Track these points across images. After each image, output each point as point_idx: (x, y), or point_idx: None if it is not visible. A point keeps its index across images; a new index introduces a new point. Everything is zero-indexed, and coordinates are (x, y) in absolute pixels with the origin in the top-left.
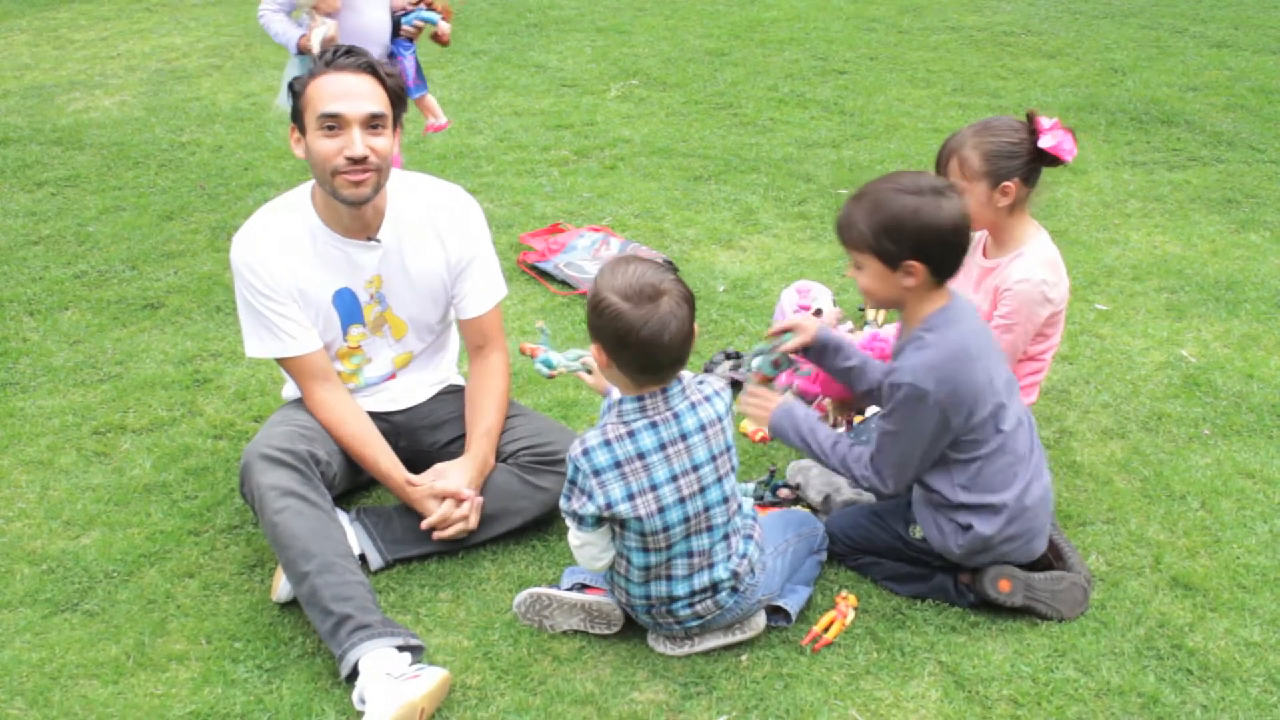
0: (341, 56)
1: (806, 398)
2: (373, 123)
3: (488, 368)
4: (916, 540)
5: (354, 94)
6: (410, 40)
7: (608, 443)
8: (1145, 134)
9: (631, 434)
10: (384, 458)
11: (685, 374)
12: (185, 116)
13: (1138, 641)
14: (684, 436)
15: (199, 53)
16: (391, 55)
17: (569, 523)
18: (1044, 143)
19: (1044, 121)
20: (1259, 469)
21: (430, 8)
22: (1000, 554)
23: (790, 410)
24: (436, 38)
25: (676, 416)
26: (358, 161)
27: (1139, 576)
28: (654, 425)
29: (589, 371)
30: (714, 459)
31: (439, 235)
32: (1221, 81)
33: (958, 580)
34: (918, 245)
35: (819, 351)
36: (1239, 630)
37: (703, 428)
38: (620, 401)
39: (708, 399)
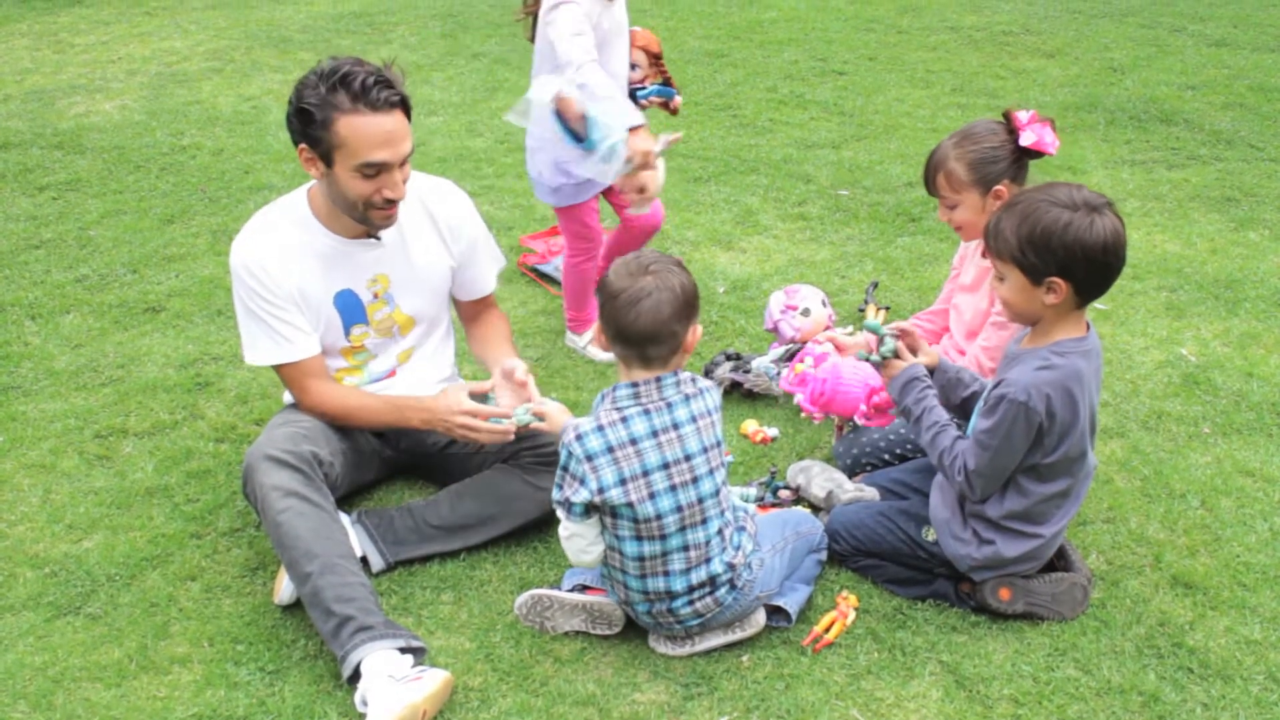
0: (375, 89)
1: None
2: (406, 159)
3: (492, 318)
4: (928, 543)
5: (396, 137)
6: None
7: (600, 428)
8: (1144, 133)
9: (624, 420)
10: (402, 405)
11: (683, 373)
12: (186, 120)
13: (1138, 640)
14: (676, 426)
15: (199, 56)
16: None
17: (559, 513)
18: (1025, 140)
19: (1021, 117)
20: (1259, 467)
21: (667, 82)
22: (1009, 572)
23: (913, 379)
24: (668, 106)
25: (669, 405)
26: (396, 201)
27: (1139, 575)
28: (647, 412)
29: (540, 419)
30: (705, 451)
31: (439, 233)
32: (1220, 80)
33: (958, 588)
34: (1064, 262)
35: (938, 385)
36: (1239, 628)
37: (694, 419)
38: (614, 388)
39: (701, 393)
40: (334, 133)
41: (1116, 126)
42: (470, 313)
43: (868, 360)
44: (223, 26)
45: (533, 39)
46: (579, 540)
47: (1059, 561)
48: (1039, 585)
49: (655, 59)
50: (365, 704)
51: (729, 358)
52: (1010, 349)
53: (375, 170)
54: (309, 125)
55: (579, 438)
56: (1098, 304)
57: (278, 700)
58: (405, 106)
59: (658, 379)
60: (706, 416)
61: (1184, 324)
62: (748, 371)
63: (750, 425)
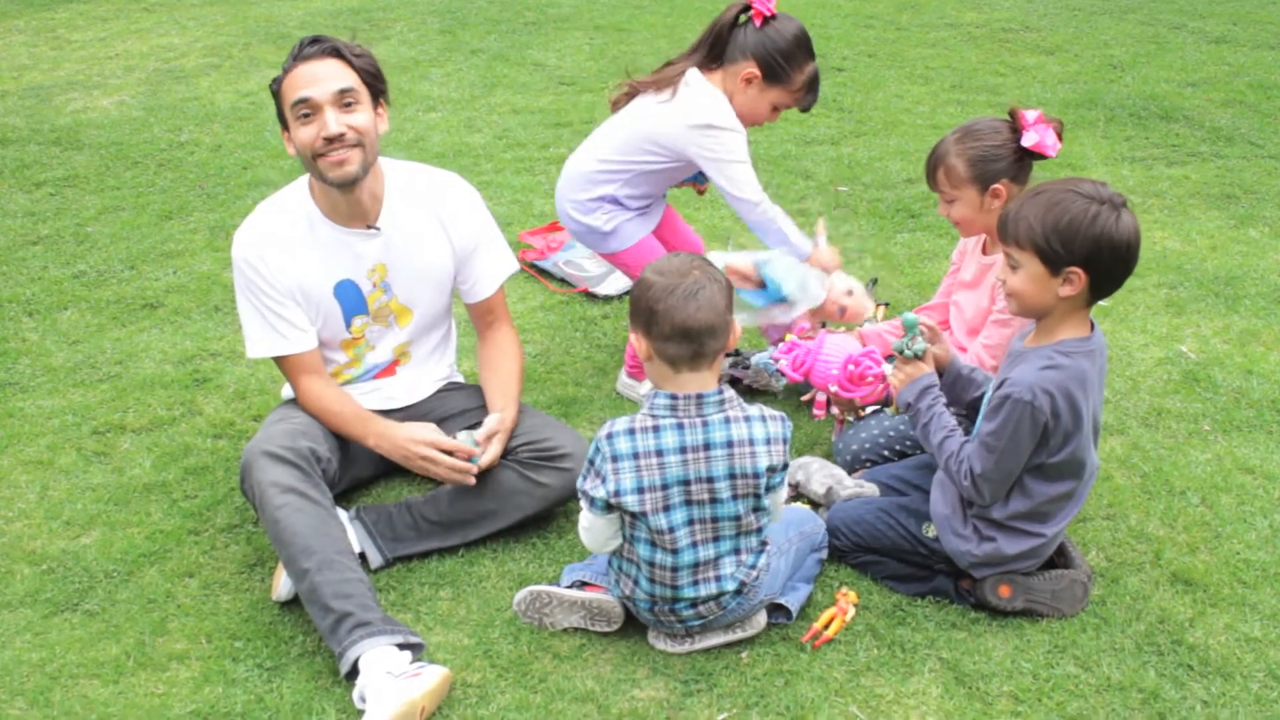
0: (307, 46)
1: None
2: (345, 100)
3: (501, 339)
4: (928, 539)
5: (321, 78)
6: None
7: (632, 431)
8: (1144, 130)
9: (656, 429)
10: (369, 421)
11: (730, 390)
12: (183, 116)
13: (1138, 637)
14: (707, 446)
15: (197, 52)
16: None
17: (582, 502)
18: (1026, 141)
19: (1027, 117)
20: (1259, 464)
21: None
22: (1009, 569)
23: (930, 385)
24: (696, 187)
25: (705, 425)
26: (335, 139)
27: (1139, 572)
28: (680, 426)
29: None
30: (733, 478)
31: (441, 224)
32: (1220, 77)
33: (958, 584)
34: (1089, 254)
35: (949, 382)
36: (1239, 626)
37: (729, 444)
38: (655, 394)
39: (747, 419)
40: (281, 95)
41: (1116, 123)
42: (478, 320)
43: (901, 354)
44: (220, 23)
45: (615, 108)
46: (596, 534)
47: (1059, 558)
48: (1039, 582)
49: None
50: (364, 700)
51: (728, 354)
52: (1014, 346)
53: (307, 109)
54: (276, 102)
55: (609, 436)
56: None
57: (276, 697)
58: (341, 56)
59: (699, 396)
60: (746, 445)
61: (1184, 321)
62: (747, 368)
63: None
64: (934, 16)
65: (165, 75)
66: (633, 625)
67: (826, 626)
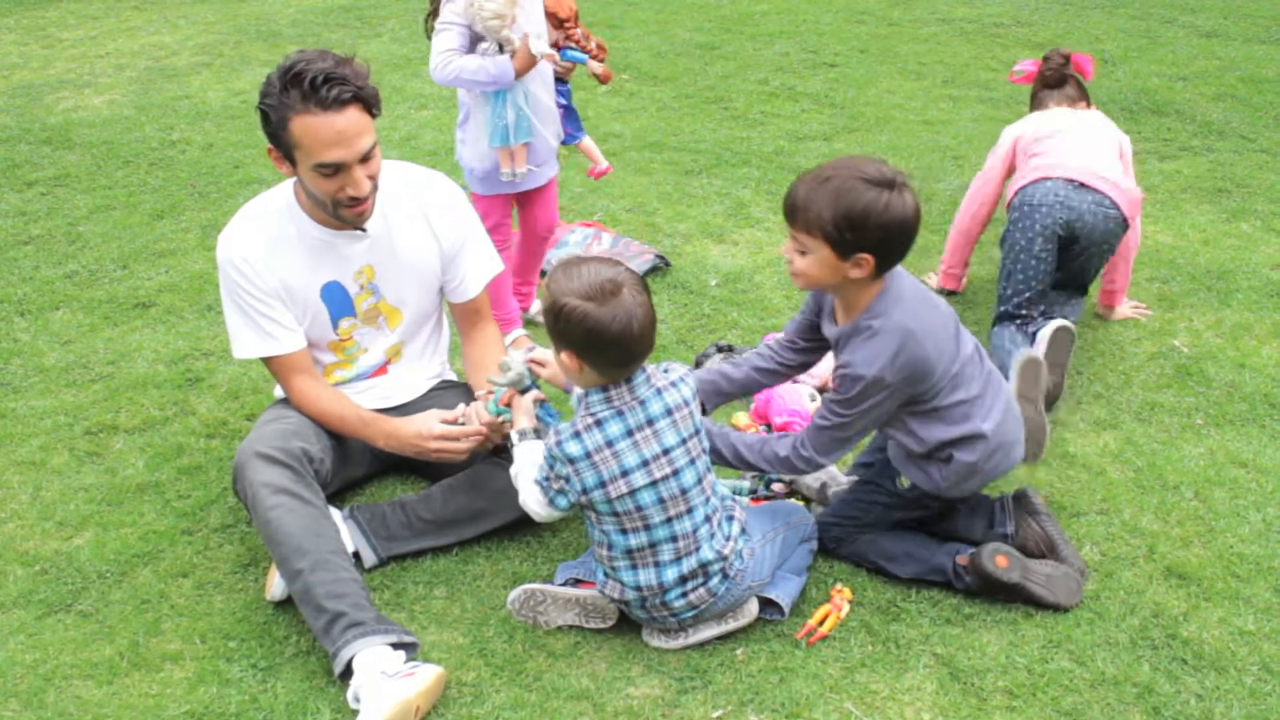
0: (323, 88)
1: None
2: (368, 155)
3: (485, 337)
4: (905, 490)
5: (348, 136)
6: (563, 81)
7: (578, 434)
8: (1136, 124)
9: (599, 423)
10: (371, 423)
11: (648, 364)
12: (175, 115)
13: (1132, 631)
14: (650, 422)
15: (188, 51)
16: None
17: (539, 496)
18: None
19: None
20: (1252, 458)
21: (578, 47)
22: (986, 474)
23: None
24: (598, 77)
25: (642, 403)
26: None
27: (1133, 567)
28: (620, 414)
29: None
30: (684, 441)
31: (429, 224)
32: (1212, 71)
33: (956, 561)
34: (879, 240)
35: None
36: (1233, 619)
37: (669, 412)
38: (586, 394)
39: (674, 384)
40: (290, 133)
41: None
42: (462, 321)
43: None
44: (211, 21)
45: None
46: (553, 518)
47: (1051, 554)
48: (1036, 564)
49: (561, 23)
50: (358, 700)
51: (720, 349)
52: (830, 332)
53: (332, 170)
54: (269, 126)
55: (559, 444)
56: (1092, 296)
57: (270, 697)
58: (362, 101)
59: (628, 380)
60: (684, 408)
61: (1176, 315)
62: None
63: (742, 418)
64: (925, 12)
65: (156, 74)
66: (627, 623)
67: (821, 623)
